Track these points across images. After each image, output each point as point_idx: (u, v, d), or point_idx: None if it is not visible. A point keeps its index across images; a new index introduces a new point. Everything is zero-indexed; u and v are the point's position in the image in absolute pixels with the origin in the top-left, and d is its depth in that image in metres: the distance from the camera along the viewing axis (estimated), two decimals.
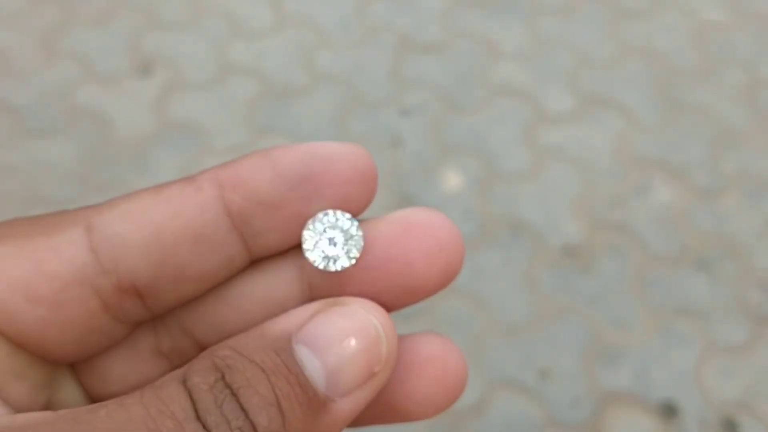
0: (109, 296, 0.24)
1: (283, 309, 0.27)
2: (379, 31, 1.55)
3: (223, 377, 0.21)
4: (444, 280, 0.25)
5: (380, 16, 1.57)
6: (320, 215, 0.25)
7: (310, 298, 0.27)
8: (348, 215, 0.25)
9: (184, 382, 0.21)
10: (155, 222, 0.24)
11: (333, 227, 0.24)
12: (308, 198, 0.25)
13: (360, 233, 0.24)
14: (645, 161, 1.36)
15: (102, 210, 0.25)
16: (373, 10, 1.58)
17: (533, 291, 1.22)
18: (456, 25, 1.56)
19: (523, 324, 1.18)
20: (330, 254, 0.24)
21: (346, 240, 0.25)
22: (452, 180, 1.34)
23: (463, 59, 1.51)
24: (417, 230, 0.25)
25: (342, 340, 0.23)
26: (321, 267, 0.24)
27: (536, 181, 1.34)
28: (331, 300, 0.24)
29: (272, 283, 0.26)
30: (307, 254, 0.24)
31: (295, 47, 1.52)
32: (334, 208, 0.25)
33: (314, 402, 0.22)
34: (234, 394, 0.21)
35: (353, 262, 0.24)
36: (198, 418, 0.20)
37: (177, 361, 0.28)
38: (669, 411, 1.11)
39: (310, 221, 0.24)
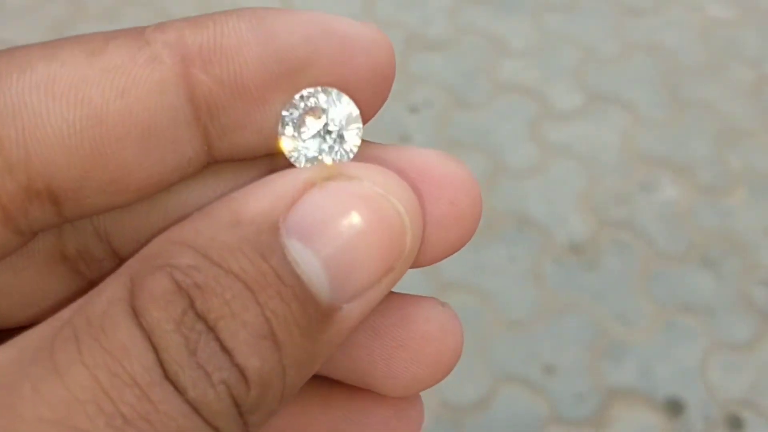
0: (12, 201, 0.17)
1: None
2: (386, 27, 1.55)
3: (192, 305, 0.15)
4: (449, 253, 0.20)
5: (387, 13, 1.57)
6: (313, 91, 0.18)
7: None
8: (351, 103, 0.18)
9: (137, 316, 0.15)
10: (92, 101, 0.17)
11: (327, 112, 0.18)
12: (306, 87, 0.18)
13: (358, 134, 0.19)
14: (651, 158, 1.37)
15: (7, 71, 0.17)
16: (380, 7, 1.58)
17: (538, 286, 1.22)
18: (463, 21, 1.56)
19: (528, 319, 1.19)
20: (313, 152, 0.18)
21: (342, 140, 0.18)
22: None
23: (470, 56, 1.51)
24: (434, 188, 0.19)
25: (351, 229, 0.16)
26: (299, 165, 0.18)
27: (542, 177, 1.34)
28: (325, 167, 0.18)
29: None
30: (284, 142, 0.18)
31: None
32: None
33: (316, 317, 0.16)
34: (211, 329, 0.15)
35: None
36: (166, 375, 0.15)
37: (84, 267, 0.21)
38: (674, 407, 1.11)
39: (293, 101, 0.18)
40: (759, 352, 1.16)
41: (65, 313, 0.16)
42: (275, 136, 0.18)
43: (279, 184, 0.17)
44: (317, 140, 0.18)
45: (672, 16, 1.57)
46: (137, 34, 0.18)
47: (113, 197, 0.18)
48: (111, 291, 0.15)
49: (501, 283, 1.22)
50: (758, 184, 1.34)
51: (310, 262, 0.16)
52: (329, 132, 0.18)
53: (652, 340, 1.17)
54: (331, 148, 0.18)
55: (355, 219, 0.16)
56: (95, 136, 0.17)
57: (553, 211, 1.30)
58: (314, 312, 0.16)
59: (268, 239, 0.16)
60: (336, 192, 0.17)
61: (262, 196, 0.17)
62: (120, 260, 0.20)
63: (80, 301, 0.16)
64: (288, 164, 0.18)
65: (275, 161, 0.19)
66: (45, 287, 0.21)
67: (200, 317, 0.15)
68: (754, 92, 1.46)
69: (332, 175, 0.17)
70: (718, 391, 1.13)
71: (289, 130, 0.18)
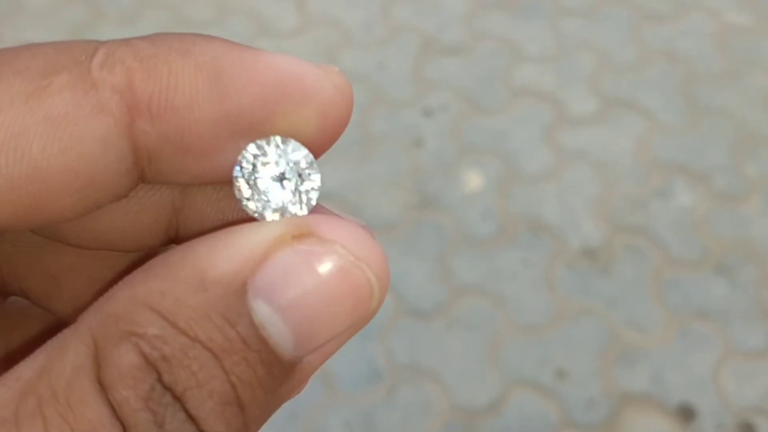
0: None
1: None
2: (402, 32, 1.56)
3: (160, 378, 0.15)
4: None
5: (404, 18, 1.58)
6: (261, 144, 0.18)
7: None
8: (300, 146, 0.18)
9: (104, 391, 0.15)
10: (33, 157, 0.16)
11: (279, 162, 0.18)
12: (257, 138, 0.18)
13: (317, 172, 0.18)
14: (666, 164, 1.36)
15: None
16: (396, 11, 1.59)
17: (552, 291, 1.22)
18: (479, 26, 1.57)
19: (541, 324, 1.19)
20: (276, 203, 0.18)
21: (301, 180, 0.18)
22: (473, 180, 1.34)
23: (486, 61, 1.51)
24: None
25: (320, 296, 0.16)
26: (267, 217, 0.18)
27: (557, 182, 1.34)
28: (295, 223, 0.17)
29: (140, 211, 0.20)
30: (246, 203, 0.18)
31: (319, 47, 1.54)
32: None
33: (279, 374, 0.17)
34: (177, 399, 0.15)
35: (305, 212, 0.18)
36: None
37: None
38: (686, 414, 1.11)
39: (244, 152, 0.18)
40: None
41: (23, 372, 0.15)
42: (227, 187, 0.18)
43: (247, 242, 0.16)
44: (276, 189, 0.18)
45: (689, 23, 1.57)
46: (83, 71, 0.16)
47: (32, 228, 0.18)
48: (74, 355, 0.15)
49: (514, 287, 1.22)
50: None
51: (276, 324, 0.16)
52: (285, 179, 0.18)
53: (665, 347, 1.17)
54: (293, 193, 0.18)
55: (325, 286, 0.16)
56: (34, 190, 0.16)
57: (567, 217, 1.30)
58: (278, 371, 0.16)
59: (235, 303, 0.16)
60: (307, 256, 0.16)
61: (230, 255, 0.16)
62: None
63: (40, 361, 0.15)
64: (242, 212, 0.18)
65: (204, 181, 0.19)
66: None
67: (167, 389, 0.15)
68: None
69: (303, 232, 0.17)
70: (731, 398, 1.12)
71: (244, 186, 0.18)
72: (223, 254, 0.16)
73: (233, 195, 0.18)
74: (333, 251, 0.16)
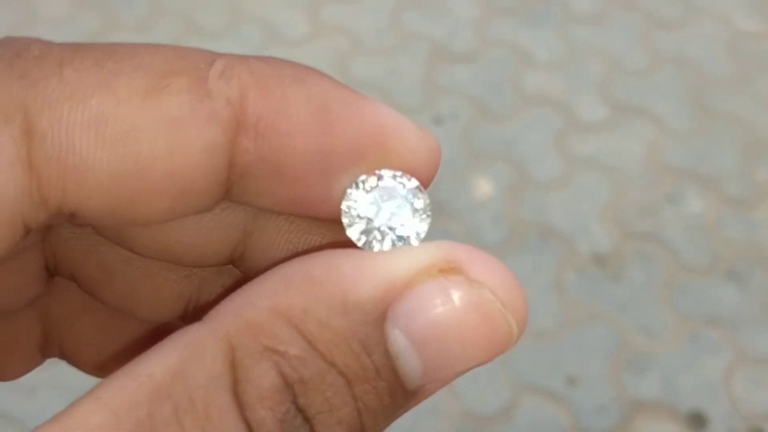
0: (36, 222, 0.16)
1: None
2: (412, 39, 1.56)
3: (295, 399, 0.15)
4: None
5: (414, 25, 1.59)
6: (371, 179, 0.17)
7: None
8: (412, 180, 0.18)
9: (242, 408, 0.15)
10: (140, 155, 0.16)
11: (390, 196, 0.18)
12: (354, 174, 0.18)
13: (428, 203, 0.18)
14: (677, 170, 1.36)
15: (59, 96, 0.15)
16: (407, 19, 1.60)
17: (562, 297, 1.22)
18: (489, 34, 1.57)
19: (551, 330, 1.19)
20: (386, 232, 0.17)
21: (414, 214, 0.18)
22: (483, 187, 1.35)
23: (496, 68, 1.52)
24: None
25: (458, 337, 0.16)
26: (374, 248, 0.17)
27: (567, 188, 1.34)
28: (444, 255, 0.17)
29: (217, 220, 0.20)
30: (352, 229, 0.18)
31: (330, 55, 1.55)
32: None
33: (402, 402, 0.17)
34: (308, 420, 0.15)
35: (416, 243, 0.18)
36: None
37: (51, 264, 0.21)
38: (697, 420, 1.11)
39: (354, 186, 0.18)
40: None
41: (155, 370, 0.15)
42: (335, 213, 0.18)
43: (393, 267, 0.16)
44: (386, 219, 0.17)
45: (699, 29, 1.57)
46: (201, 78, 0.16)
47: (127, 224, 0.18)
48: (211, 362, 0.15)
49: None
50: None
51: (410, 359, 0.16)
52: (396, 210, 0.18)
53: (676, 353, 1.17)
54: (406, 224, 0.18)
55: (466, 328, 0.16)
56: (135, 188, 0.16)
57: (577, 223, 1.30)
58: (401, 399, 0.16)
59: (374, 330, 0.16)
60: (453, 294, 0.16)
61: (375, 280, 0.16)
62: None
63: (173, 360, 0.15)
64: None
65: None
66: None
67: (300, 410, 0.15)
68: None
69: (452, 267, 0.16)
70: (742, 404, 1.12)
71: (353, 213, 0.17)
72: (369, 278, 0.16)
73: (303, 228, 0.19)
74: (481, 295, 0.16)
